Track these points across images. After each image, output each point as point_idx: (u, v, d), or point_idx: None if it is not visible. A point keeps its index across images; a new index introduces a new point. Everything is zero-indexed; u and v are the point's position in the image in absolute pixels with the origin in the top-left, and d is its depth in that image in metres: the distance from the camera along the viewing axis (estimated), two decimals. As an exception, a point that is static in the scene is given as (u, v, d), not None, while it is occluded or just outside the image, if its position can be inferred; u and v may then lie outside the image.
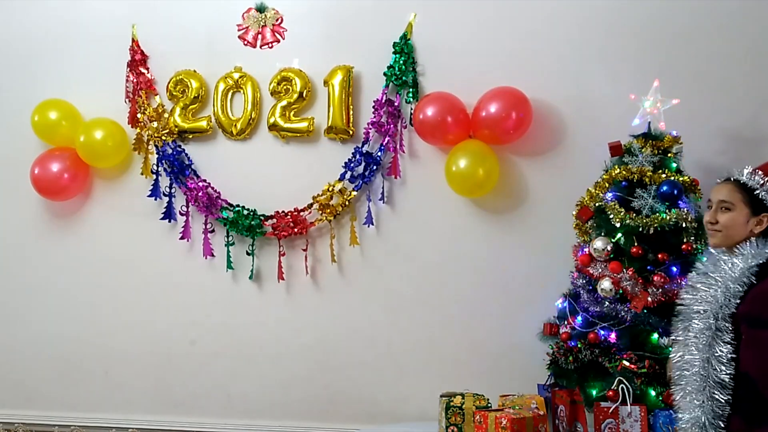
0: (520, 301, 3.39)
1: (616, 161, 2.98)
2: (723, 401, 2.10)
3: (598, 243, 2.82)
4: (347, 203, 3.59)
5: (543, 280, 3.28)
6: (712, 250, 2.36)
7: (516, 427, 2.61)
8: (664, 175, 2.84)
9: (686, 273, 2.68)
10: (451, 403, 2.89)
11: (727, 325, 2.13)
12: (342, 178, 3.61)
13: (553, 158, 3.45)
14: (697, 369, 2.14)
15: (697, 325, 2.18)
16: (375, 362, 3.57)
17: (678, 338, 2.26)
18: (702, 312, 2.17)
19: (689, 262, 2.74)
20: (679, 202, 2.80)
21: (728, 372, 2.11)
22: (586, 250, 2.89)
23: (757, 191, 2.28)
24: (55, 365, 3.88)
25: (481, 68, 3.49)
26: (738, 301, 2.14)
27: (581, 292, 2.87)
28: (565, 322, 2.87)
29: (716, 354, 2.12)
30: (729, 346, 2.12)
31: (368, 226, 3.59)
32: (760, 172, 2.31)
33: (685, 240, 2.76)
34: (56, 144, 3.84)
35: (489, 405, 2.91)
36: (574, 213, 3.02)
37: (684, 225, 2.75)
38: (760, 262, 2.17)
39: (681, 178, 2.85)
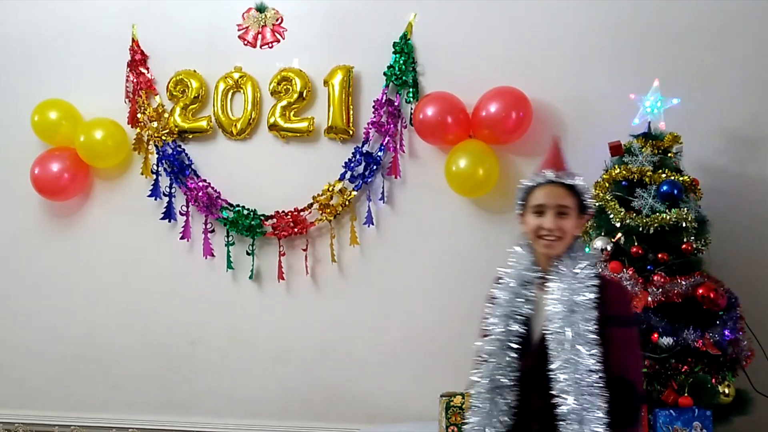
0: (520, 300, 3.38)
1: (616, 161, 2.98)
2: (599, 407, 2.01)
3: (598, 243, 2.82)
4: (347, 203, 3.59)
5: (543, 279, 3.28)
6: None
7: (516, 427, 2.61)
8: (664, 175, 2.84)
9: (687, 273, 2.70)
10: (452, 403, 2.89)
11: (588, 328, 2.06)
12: (342, 178, 3.61)
13: (553, 158, 3.44)
14: (569, 376, 2.04)
15: (558, 333, 2.08)
16: (375, 362, 3.57)
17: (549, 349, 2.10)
18: (561, 318, 2.08)
19: (689, 262, 2.74)
20: (679, 201, 2.79)
21: (600, 377, 2.02)
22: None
23: (584, 196, 2.21)
24: (54, 365, 3.87)
25: (481, 68, 3.49)
26: (595, 304, 2.08)
27: (581, 291, 2.86)
28: (566, 322, 2.86)
29: (584, 361, 2.03)
30: (597, 350, 2.05)
31: (368, 226, 3.59)
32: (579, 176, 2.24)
33: (685, 240, 2.76)
34: (56, 144, 3.84)
35: (489, 405, 2.91)
36: (574, 213, 3.02)
37: (684, 225, 2.75)
38: (594, 261, 2.18)
39: (681, 178, 2.85)
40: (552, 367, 2.07)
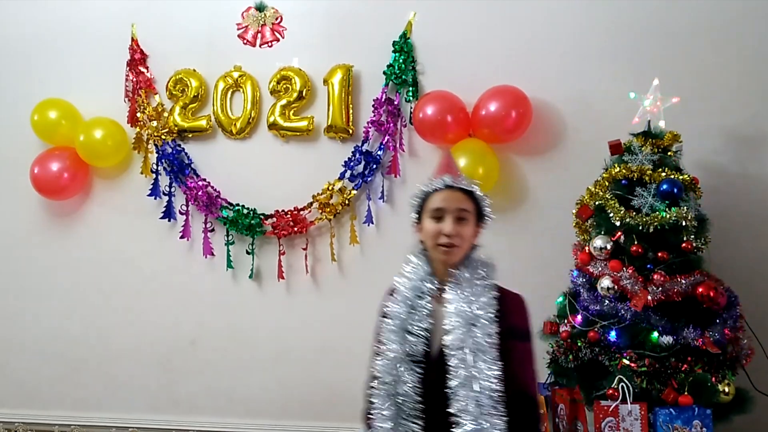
0: (519, 299, 3.38)
1: (616, 160, 2.97)
2: (498, 427, 1.96)
3: (598, 241, 2.81)
4: (347, 202, 3.59)
5: (543, 278, 3.27)
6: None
7: (516, 426, 2.61)
8: (663, 174, 2.84)
9: (687, 271, 2.70)
10: (451, 402, 2.88)
11: (489, 342, 2.01)
12: (342, 177, 3.61)
13: (552, 157, 3.45)
14: (468, 394, 1.97)
15: (458, 348, 2.02)
16: (375, 361, 3.56)
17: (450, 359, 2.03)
18: (461, 332, 2.02)
19: (689, 260, 2.74)
20: (679, 200, 2.79)
21: (501, 396, 1.97)
22: (586, 248, 2.89)
23: (482, 203, 2.19)
24: (54, 364, 3.88)
25: (481, 67, 3.49)
26: (495, 316, 2.04)
27: (581, 290, 2.87)
28: (565, 321, 2.87)
29: (485, 379, 1.97)
30: (498, 367, 1.99)
31: (368, 225, 3.59)
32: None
33: (685, 238, 2.75)
34: (56, 143, 3.84)
35: (489, 404, 2.90)
36: (573, 212, 3.02)
37: (684, 223, 2.74)
38: (492, 271, 2.14)
39: (681, 177, 2.84)
40: (451, 384, 2.00)
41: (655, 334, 2.67)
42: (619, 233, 2.80)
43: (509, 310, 2.11)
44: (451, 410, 1.98)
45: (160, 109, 3.79)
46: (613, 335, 2.70)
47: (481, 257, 2.19)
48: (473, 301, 2.06)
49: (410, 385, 2.04)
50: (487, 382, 1.97)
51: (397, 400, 2.04)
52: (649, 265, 2.74)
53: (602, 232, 2.86)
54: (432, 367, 2.05)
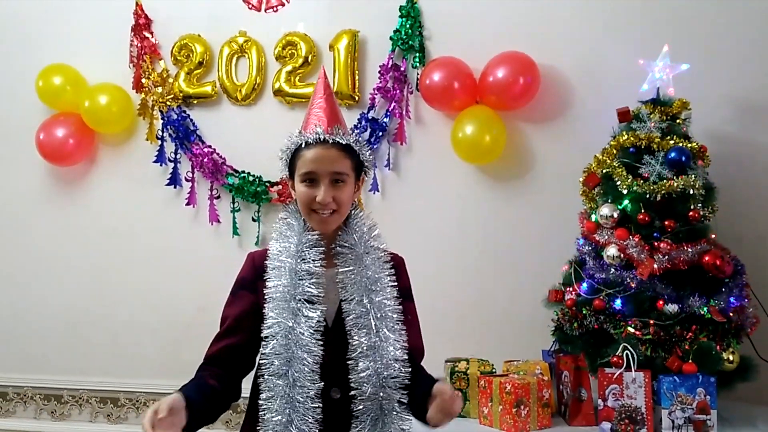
0: (525, 267, 3.39)
1: (624, 127, 2.95)
2: (398, 400, 1.85)
3: (605, 210, 2.80)
4: (353, 169, 3.58)
5: (548, 246, 3.28)
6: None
7: (520, 393, 2.63)
8: (672, 142, 2.81)
9: (694, 240, 2.69)
10: (456, 369, 2.91)
11: (392, 306, 1.88)
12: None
13: (560, 124, 3.42)
14: (370, 365, 1.83)
15: (358, 317, 1.86)
16: (380, 328, 3.58)
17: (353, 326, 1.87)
18: (360, 299, 1.86)
19: (696, 229, 2.73)
20: (687, 168, 2.77)
21: (403, 366, 1.86)
22: (593, 216, 2.88)
23: (361, 153, 1.94)
24: (61, 331, 3.90)
25: (489, 33, 3.45)
26: (393, 279, 1.91)
27: (587, 258, 2.87)
28: (571, 289, 2.87)
29: (388, 347, 1.84)
30: (402, 334, 1.88)
31: (374, 193, 3.58)
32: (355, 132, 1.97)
33: (692, 207, 2.74)
34: (61, 109, 3.83)
35: (494, 370, 2.92)
36: (580, 180, 3.00)
37: (692, 192, 2.73)
38: (376, 229, 1.96)
39: (689, 145, 2.82)
40: (352, 355, 1.84)
41: (661, 302, 2.67)
42: (626, 201, 2.79)
43: (398, 270, 1.98)
44: (352, 384, 1.84)
45: (165, 75, 3.77)
46: (618, 303, 2.70)
47: (362, 216, 2.00)
48: (367, 264, 1.89)
49: (307, 364, 1.82)
50: (390, 352, 1.84)
51: (291, 383, 1.82)
52: (655, 234, 2.73)
53: (609, 200, 2.85)
54: (327, 339, 1.86)
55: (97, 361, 3.87)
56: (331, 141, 1.90)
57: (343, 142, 1.91)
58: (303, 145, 1.92)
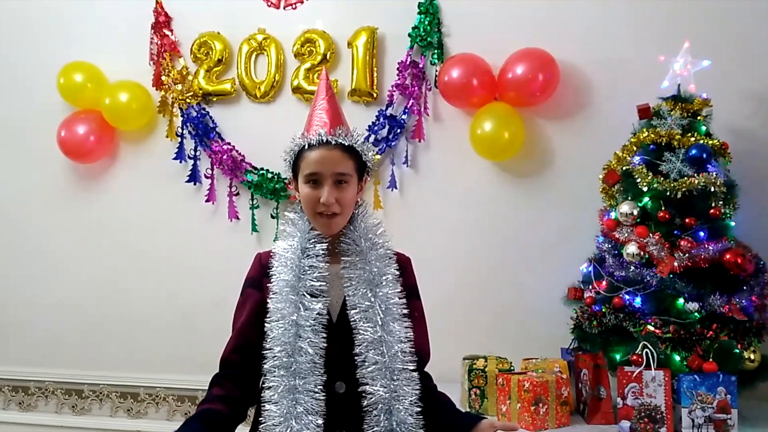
0: (544, 265, 3.38)
1: (644, 124, 2.93)
2: (410, 394, 1.85)
3: (625, 207, 2.79)
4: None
5: (568, 244, 3.26)
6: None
7: (539, 391, 2.63)
8: (693, 139, 2.79)
9: (714, 238, 2.67)
10: (474, 366, 2.90)
11: (397, 301, 1.90)
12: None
13: (579, 121, 3.40)
14: (378, 359, 1.84)
15: (365, 311, 1.88)
16: (398, 325, 3.58)
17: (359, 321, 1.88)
18: (366, 294, 1.88)
19: (717, 227, 2.71)
20: (708, 166, 2.75)
21: (412, 359, 1.87)
22: (612, 214, 2.87)
23: (364, 154, 1.96)
24: (81, 325, 3.94)
25: (507, 29, 3.44)
26: (398, 274, 1.94)
27: (606, 256, 2.85)
28: (590, 287, 2.86)
29: (395, 342, 1.86)
30: (408, 328, 1.90)
31: (392, 190, 3.58)
32: (357, 131, 1.98)
33: (713, 204, 2.72)
34: (82, 106, 3.86)
35: (512, 368, 2.92)
36: (600, 177, 2.99)
37: (713, 189, 2.71)
38: (380, 230, 1.99)
39: (710, 142, 2.80)
40: (358, 350, 1.85)
41: (681, 300, 2.65)
42: (647, 198, 2.77)
43: (406, 268, 2.03)
44: (360, 378, 1.84)
45: (184, 73, 3.79)
46: (638, 301, 2.68)
47: (366, 214, 2.02)
48: (372, 261, 1.91)
49: (310, 356, 1.83)
50: (397, 346, 1.85)
51: (294, 375, 1.82)
52: (676, 231, 2.72)
53: (629, 198, 2.83)
54: (332, 334, 1.87)
55: (116, 356, 3.91)
56: (333, 142, 1.92)
57: (346, 143, 1.93)
58: (306, 147, 1.93)
